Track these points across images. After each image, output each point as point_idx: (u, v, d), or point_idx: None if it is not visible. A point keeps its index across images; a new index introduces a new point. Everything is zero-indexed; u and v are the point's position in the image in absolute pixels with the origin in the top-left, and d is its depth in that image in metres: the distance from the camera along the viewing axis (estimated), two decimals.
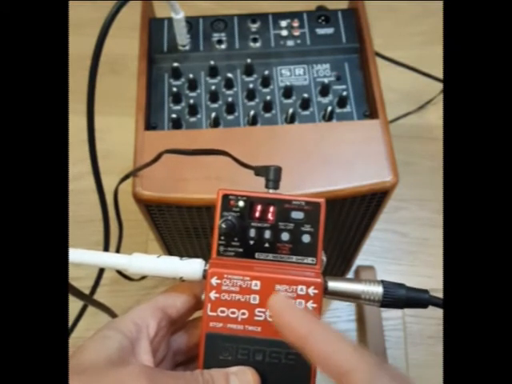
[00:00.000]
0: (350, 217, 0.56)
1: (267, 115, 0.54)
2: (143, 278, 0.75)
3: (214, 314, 0.32)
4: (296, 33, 0.57)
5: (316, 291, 0.32)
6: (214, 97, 0.54)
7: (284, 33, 0.57)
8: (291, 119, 0.53)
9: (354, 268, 0.85)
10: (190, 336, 0.36)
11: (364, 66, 0.55)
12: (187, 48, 0.56)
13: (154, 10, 0.61)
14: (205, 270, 0.33)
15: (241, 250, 0.34)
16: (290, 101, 0.54)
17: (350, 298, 0.33)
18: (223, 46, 0.56)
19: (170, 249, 0.62)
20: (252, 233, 0.34)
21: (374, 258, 0.89)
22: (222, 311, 0.32)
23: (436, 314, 0.83)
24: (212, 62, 0.55)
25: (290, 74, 0.56)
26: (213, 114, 0.52)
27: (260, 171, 0.37)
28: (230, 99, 0.53)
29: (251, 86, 0.54)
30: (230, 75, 0.54)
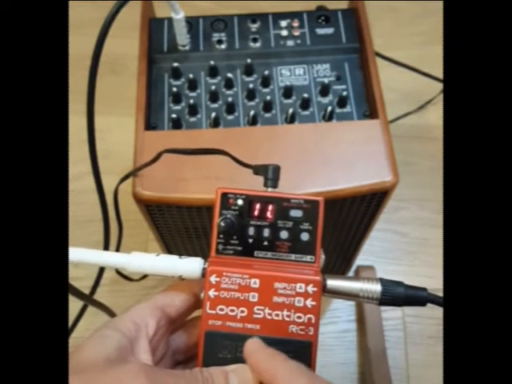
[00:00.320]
0: (350, 217, 0.56)
1: (267, 115, 0.54)
2: (143, 278, 0.75)
3: (213, 312, 0.32)
4: (296, 33, 0.57)
5: (315, 289, 0.32)
6: (213, 97, 0.54)
7: (284, 33, 0.57)
8: (291, 119, 0.53)
9: (354, 268, 0.85)
10: (189, 335, 0.36)
11: (364, 66, 0.55)
12: (187, 48, 0.56)
13: (154, 9, 0.61)
14: (204, 269, 0.33)
15: (240, 248, 0.34)
16: (289, 101, 0.54)
17: (348, 295, 0.33)
18: (223, 46, 0.56)
19: (170, 249, 0.62)
20: (251, 231, 0.34)
21: (373, 258, 0.89)
22: (221, 309, 0.32)
23: (436, 314, 0.83)
24: (212, 62, 0.55)
25: (290, 74, 0.56)
26: (213, 114, 0.52)
27: (259, 170, 0.37)
28: (230, 99, 0.53)
29: (251, 86, 0.54)
30: (229, 75, 0.55)
